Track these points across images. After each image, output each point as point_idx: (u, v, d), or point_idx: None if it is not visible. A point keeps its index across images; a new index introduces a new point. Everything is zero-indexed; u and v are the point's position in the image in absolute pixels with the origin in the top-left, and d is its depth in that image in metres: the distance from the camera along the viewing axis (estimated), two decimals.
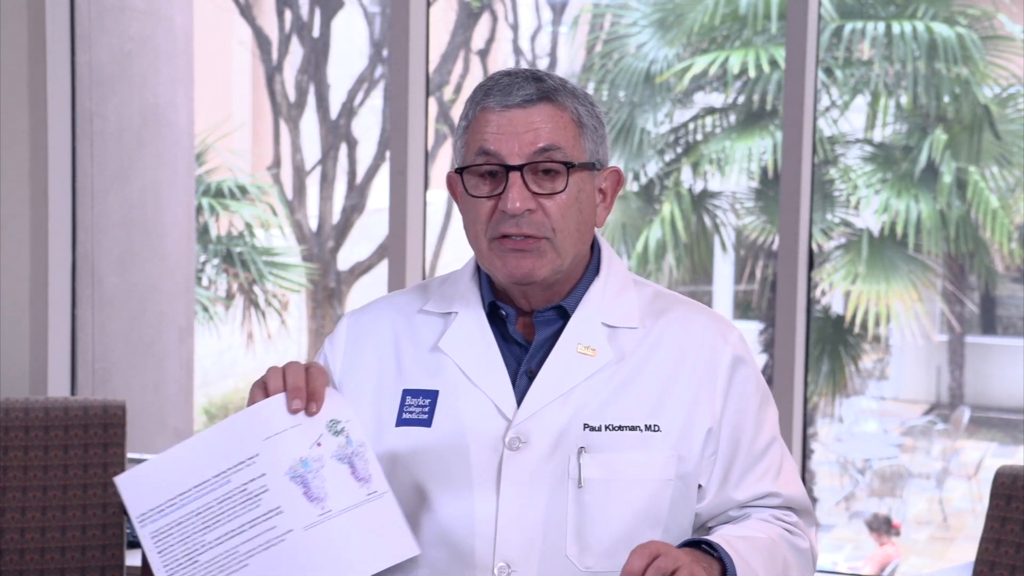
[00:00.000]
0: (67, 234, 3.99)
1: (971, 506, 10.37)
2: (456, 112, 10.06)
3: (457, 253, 10.21)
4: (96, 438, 3.46)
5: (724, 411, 1.71)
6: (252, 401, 1.61)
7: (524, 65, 10.53)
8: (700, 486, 1.72)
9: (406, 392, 1.72)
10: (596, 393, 1.68)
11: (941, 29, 8.55)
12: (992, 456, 10.75)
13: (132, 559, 3.55)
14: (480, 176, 1.68)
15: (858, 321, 8.84)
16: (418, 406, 1.71)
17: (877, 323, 8.89)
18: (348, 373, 1.77)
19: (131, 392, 4.80)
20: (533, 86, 1.68)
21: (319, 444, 1.58)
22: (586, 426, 1.67)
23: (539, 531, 1.65)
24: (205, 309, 9.45)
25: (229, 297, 9.70)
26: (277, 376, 1.60)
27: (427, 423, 1.70)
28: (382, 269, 9.30)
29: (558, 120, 1.67)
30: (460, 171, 1.70)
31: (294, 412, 1.58)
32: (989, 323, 11.86)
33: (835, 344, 8.98)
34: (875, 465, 10.58)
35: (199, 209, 9.26)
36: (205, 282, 9.63)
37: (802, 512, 1.77)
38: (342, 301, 10.05)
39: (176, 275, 5.30)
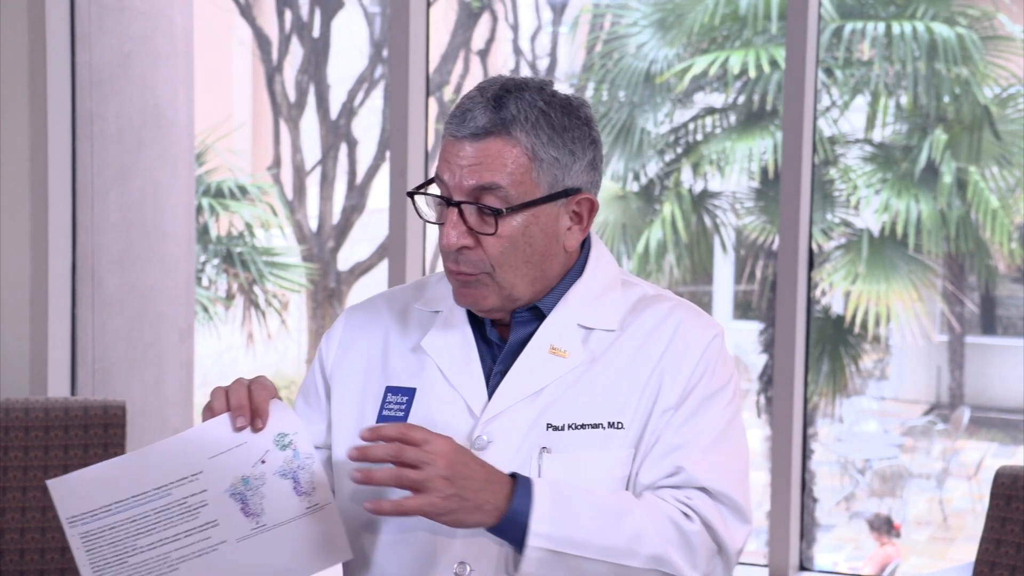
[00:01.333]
0: (67, 234, 3.99)
1: (971, 506, 10.38)
2: None
3: None
4: (96, 438, 3.47)
5: (677, 408, 1.67)
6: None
7: (524, 66, 10.53)
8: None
9: (388, 389, 1.74)
10: (563, 393, 1.68)
11: (941, 29, 8.55)
12: (992, 456, 10.76)
13: None
14: (430, 201, 1.71)
15: (858, 321, 8.84)
16: (396, 403, 1.72)
17: (877, 323, 8.89)
18: (338, 368, 1.79)
19: (131, 392, 4.80)
20: (487, 117, 1.63)
21: (263, 461, 1.61)
22: (549, 426, 1.66)
23: None
24: (205, 309, 9.45)
25: (229, 297, 9.70)
26: (221, 396, 1.62)
27: (403, 420, 1.71)
28: (382, 269, 9.31)
29: (506, 156, 1.62)
30: (410, 195, 1.72)
31: (239, 430, 1.60)
32: (989, 323, 11.87)
33: (835, 344, 8.98)
34: (875, 465, 10.58)
35: (199, 209, 9.26)
36: (205, 282, 9.63)
37: (722, 500, 1.66)
38: (342, 301, 10.05)
39: (176, 275, 5.30)
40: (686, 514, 1.63)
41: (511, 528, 1.56)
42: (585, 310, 1.72)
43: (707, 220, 9.29)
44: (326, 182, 10.06)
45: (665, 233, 9.06)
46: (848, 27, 8.65)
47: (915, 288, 8.98)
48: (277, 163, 10.19)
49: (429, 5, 3.72)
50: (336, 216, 10.09)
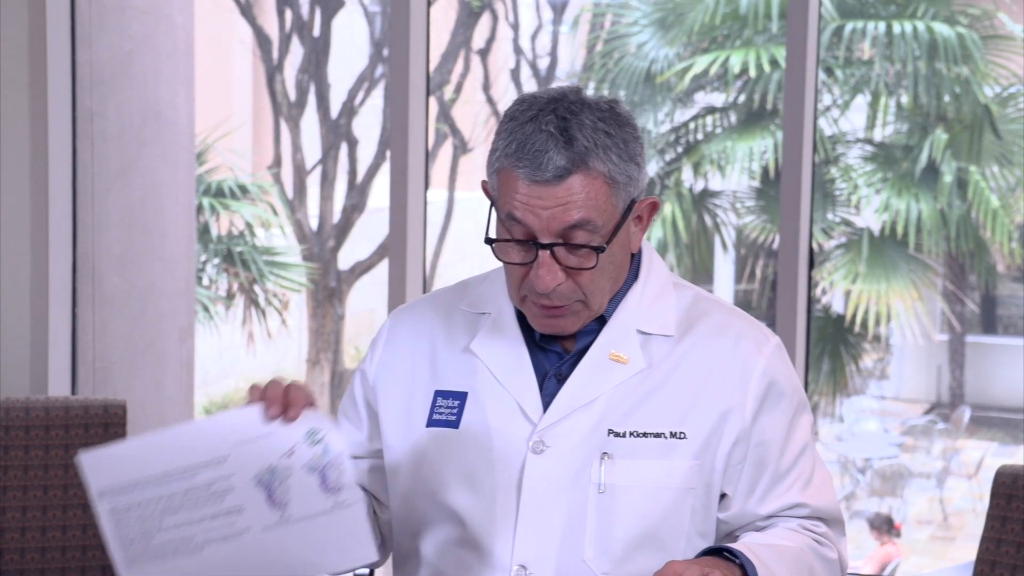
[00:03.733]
0: (67, 234, 3.99)
1: (971, 505, 10.37)
2: (457, 112, 10.06)
3: (457, 253, 10.21)
4: (97, 438, 3.47)
5: (754, 424, 1.69)
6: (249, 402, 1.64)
7: (524, 65, 10.53)
8: (724, 495, 1.71)
9: (438, 393, 1.73)
10: (623, 399, 1.67)
11: (941, 29, 8.55)
12: (992, 455, 10.75)
13: None
14: (509, 242, 1.65)
15: (858, 320, 8.84)
16: (447, 407, 1.71)
17: (878, 322, 8.89)
18: (382, 372, 1.78)
19: (132, 392, 4.80)
20: (564, 156, 1.59)
21: (292, 453, 1.61)
22: (610, 432, 1.66)
23: (557, 534, 1.65)
24: (206, 309, 9.45)
25: (230, 297, 9.70)
26: (256, 389, 1.62)
27: (455, 424, 1.70)
28: (382, 268, 9.30)
29: (589, 189, 1.60)
30: (490, 242, 1.66)
31: (270, 419, 1.59)
32: (989, 322, 11.86)
33: (836, 343, 8.98)
34: (876, 464, 10.58)
35: (200, 208, 9.26)
36: (206, 282, 9.64)
37: (832, 522, 1.75)
38: (342, 300, 10.05)
39: (176, 275, 5.30)
40: (819, 542, 1.70)
41: None
42: (642, 315, 1.71)
43: (708, 219, 9.29)
44: (326, 181, 10.06)
45: (666, 232, 9.06)
46: (848, 26, 8.65)
47: (915, 287, 8.98)
48: (277, 162, 10.19)
49: (429, 4, 3.72)
50: (336, 215, 10.08)
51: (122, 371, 4.81)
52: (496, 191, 1.65)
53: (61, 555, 3.45)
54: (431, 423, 1.71)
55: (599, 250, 1.62)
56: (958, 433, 11.14)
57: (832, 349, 8.97)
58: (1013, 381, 10.96)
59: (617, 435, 1.66)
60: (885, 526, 9.38)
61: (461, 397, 1.71)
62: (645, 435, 1.66)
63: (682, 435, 1.66)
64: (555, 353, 1.72)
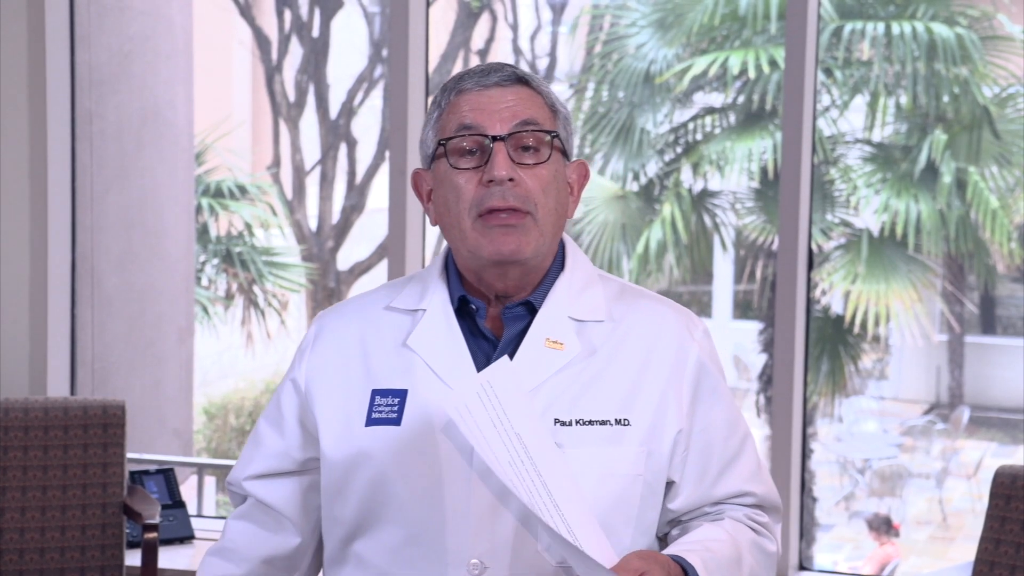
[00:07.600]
0: (67, 234, 3.99)
1: (971, 506, 10.38)
2: None
3: None
4: (95, 438, 3.47)
5: (694, 410, 1.71)
6: None
7: (524, 65, 10.54)
8: (672, 483, 1.72)
9: (375, 392, 1.71)
10: (566, 387, 1.68)
11: (941, 29, 8.55)
12: (992, 456, 10.76)
13: (131, 559, 3.55)
14: (461, 153, 1.69)
15: (858, 321, 8.84)
16: (387, 405, 1.70)
17: (877, 323, 8.89)
18: (313, 377, 1.76)
19: (131, 392, 4.80)
20: (508, 70, 1.71)
21: None
22: (556, 421, 1.67)
23: (511, 527, 1.65)
24: (205, 309, 9.45)
25: (229, 297, 9.71)
26: None
27: (396, 422, 1.69)
28: (382, 269, 9.30)
29: (534, 100, 1.71)
30: (443, 143, 1.70)
31: None
32: (989, 323, 11.87)
33: (835, 344, 8.98)
34: (875, 465, 10.58)
35: (199, 209, 9.26)
36: (205, 282, 9.63)
37: (771, 510, 1.78)
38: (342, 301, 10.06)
39: (176, 275, 5.30)
40: (760, 533, 1.75)
41: None
42: (573, 303, 1.73)
43: (707, 220, 9.28)
44: (325, 182, 10.07)
45: (665, 233, 9.06)
46: (848, 27, 8.65)
47: (914, 288, 8.98)
48: (276, 163, 10.20)
49: (428, 5, 3.72)
50: (336, 216, 10.09)
51: (121, 371, 4.81)
52: (440, 131, 1.72)
53: (60, 555, 3.44)
54: (371, 422, 1.70)
55: (553, 135, 1.70)
56: (957, 433, 11.14)
57: (831, 349, 8.97)
58: (1012, 381, 10.97)
59: (563, 424, 1.67)
60: (884, 526, 9.38)
61: (401, 394, 1.70)
62: (591, 423, 1.67)
63: (626, 422, 1.68)
64: (488, 341, 1.72)
